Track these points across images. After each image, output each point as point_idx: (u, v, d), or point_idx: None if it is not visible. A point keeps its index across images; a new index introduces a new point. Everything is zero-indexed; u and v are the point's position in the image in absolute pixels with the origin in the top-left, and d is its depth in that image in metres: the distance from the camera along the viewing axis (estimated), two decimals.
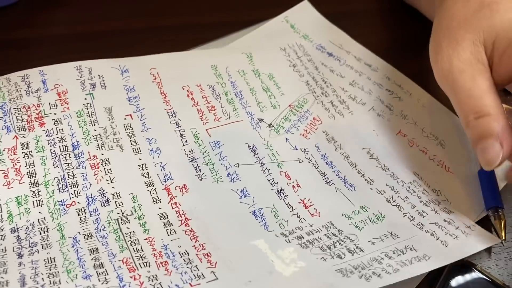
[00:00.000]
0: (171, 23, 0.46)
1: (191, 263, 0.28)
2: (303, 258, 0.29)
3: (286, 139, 0.38)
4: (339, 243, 0.30)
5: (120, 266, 0.27)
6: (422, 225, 0.33)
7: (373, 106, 0.41)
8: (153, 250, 0.29)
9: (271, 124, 0.38)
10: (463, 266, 0.32)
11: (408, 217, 0.33)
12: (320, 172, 0.36)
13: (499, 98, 0.30)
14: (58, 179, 0.32)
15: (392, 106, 0.40)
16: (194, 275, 0.27)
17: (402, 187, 0.36)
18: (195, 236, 0.30)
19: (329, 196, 0.34)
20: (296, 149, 0.37)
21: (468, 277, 0.32)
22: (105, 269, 0.27)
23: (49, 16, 0.46)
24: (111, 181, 0.32)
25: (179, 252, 0.29)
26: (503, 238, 0.33)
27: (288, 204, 0.33)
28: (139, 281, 0.27)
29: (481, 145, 0.30)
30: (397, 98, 0.41)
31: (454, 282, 0.32)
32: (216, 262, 0.28)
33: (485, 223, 0.35)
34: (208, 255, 0.29)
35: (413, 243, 0.31)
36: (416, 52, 0.43)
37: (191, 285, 0.27)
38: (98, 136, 0.34)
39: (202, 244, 0.30)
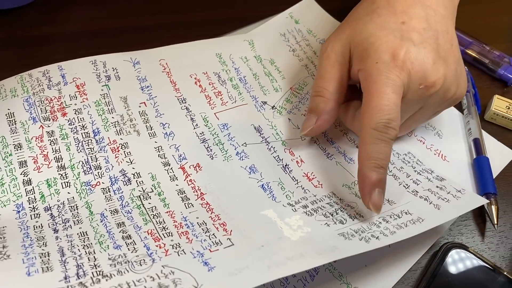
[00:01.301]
0: (181, 20, 0.49)
1: (209, 232, 0.31)
2: (308, 224, 0.32)
3: (289, 119, 0.41)
4: (341, 210, 0.34)
5: (146, 237, 0.31)
6: (416, 191, 0.35)
7: None
8: (174, 222, 0.32)
9: (274, 106, 0.41)
10: (457, 248, 0.35)
11: (404, 185, 0.36)
12: (321, 148, 0.39)
13: (343, 88, 0.36)
14: (83, 163, 0.35)
15: None
16: (212, 242, 0.30)
17: (398, 159, 0.39)
18: (210, 209, 0.33)
19: (330, 169, 0.37)
20: (298, 128, 0.40)
21: (461, 258, 0.34)
22: (133, 240, 0.30)
23: (65, 14, 0.48)
24: (131, 162, 0.35)
25: (197, 223, 0.32)
26: (496, 222, 0.36)
27: (293, 178, 0.36)
28: (164, 249, 0.30)
29: (307, 116, 0.37)
30: None
31: (448, 262, 0.34)
32: (231, 230, 0.31)
33: (479, 208, 0.38)
34: (223, 224, 0.32)
35: (408, 208, 0.34)
36: None
37: (210, 251, 0.30)
38: (116, 123, 0.37)
39: (217, 215, 0.33)
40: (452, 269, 0.34)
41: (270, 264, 0.28)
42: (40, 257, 0.28)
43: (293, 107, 0.41)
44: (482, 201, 0.35)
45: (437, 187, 0.36)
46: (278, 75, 0.44)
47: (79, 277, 0.27)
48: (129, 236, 0.31)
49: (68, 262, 0.28)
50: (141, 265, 0.28)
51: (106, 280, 0.27)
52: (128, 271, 0.28)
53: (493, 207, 0.36)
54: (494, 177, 0.39)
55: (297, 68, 0.44)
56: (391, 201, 0.35)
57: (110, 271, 0.28)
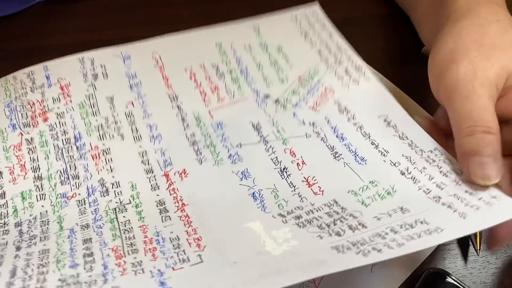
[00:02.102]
0: (173, 31, 0.46)
1: (179, 248, 0.28)
2: (297, 237, 0.28)
3: (294, 113, 0.36)
4: (340, 221, 0.29)
5: (108, 255, 0.27)
6: (439, 197, 0.30)
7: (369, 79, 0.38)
8: (144, 237, 0.29)
9: (277, 99, 0.37)
10: (438, 274, 0.33)
11: (424, 190, 0.30)
12: (329, 147, 0.34)
13: None
14: (61, 172, 0.32)
15: None
16: (179, 259, 0.27)
17: (421, 157, 0.33)
18: (189, 222, 0.29)
19: (336, 172, 0.32)
20: (304, 124, 0.35)
21: (442, 284, 0.33)
22: (93, 258, 0.27)
23: (55, 25, 0.47)
24: (111, 170, 0.32)
25: (169, 238, 0.28)
26: (478, 248, 0.35)
27: (290, 184, 0.32)
28: (123, 267, 0.26)
29: (482, 159, 0.29)
30: None
31: None
32: (205, 246, 0.28)
33: None
34: (198, 239, 0.28)
35: (425, 217, 0.28)
36: (404, 62, 0.44)
37: (173, 269, 0.26)
38: (100, 126, 0.34)
39: (194, 229, 0.29)
40: None
41: (236, 282, 0.24)
42: None
43: (300, 100, 0.37)
44: None
45: (466, 191, 0.30)
46: (286, 64, 0.39)
47: None
48: (91, 253, 0.28)
49: (14, 285, 0.25)
50: (90, 286, 0.25)
51: None
52: None
53: (476, 233, 0.35)
54: None
55: (308, 55, 0.40)
56: (405, 209, 0.29)
57: None
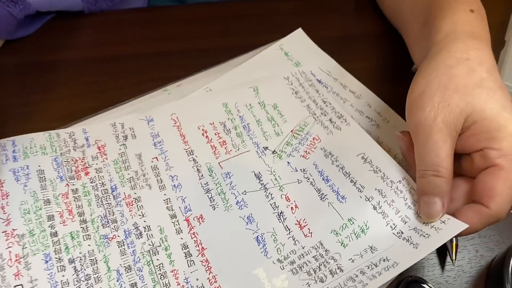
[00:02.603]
0: (178, 48, 0.52)
1: None
2: (292, 285, 0.35)
3: (288, 162, 0.44)
4: (324, 265, 0.36)
5: None
6: (402, 232, 0.37)
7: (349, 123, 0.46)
8: (177, 284, 0.36)
9: (274, 150, 0.45)
10: (416, 281, 0.38)
11: (391, 226, 0.38)
12: (316, 189, 0.42)
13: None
14: (101, 217, 0.40)
15: (370, 133, 0.45)
16: None
17: (390, 189, 0.40)
18: (209, 267, 0.37)
19: (322, 213, 0.40)
20: (296, 171, 0.43)
21: None
22: None
23: (69, 41, 0.52)
24: (143, 215, 0.40)
25: (196, 286, 0.36)
26: (454, 258, 0.39)
27: (286, 227, 0.40)
28: None
29: (428, 198, 0.36)
30: (375, 125, 0.46)
31: None
32: None
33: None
34: None
35: (388, 254, 0.36)
36: (397, 79, 0.47)
37: None
38: (131, 178, 0.42)
39: (214, 276, 0.37)
40: None
41: None
42: None
43: (293, 149, 0.45)
44: (460, 227, 0.35)
45: (424, 223, 0.37)
46: (280, 119, 0.47)
47: None
48: None
49: None
50: None
51: None
52: None
53: (453, 244, 0.39)
54: None
55: (299, 110, 0.48)
56: (373, 248, 0.37)
57: None
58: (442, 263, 0.41)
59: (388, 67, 0.52)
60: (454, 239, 0.40)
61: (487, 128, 0.35)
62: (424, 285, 0.38)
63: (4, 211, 0.39)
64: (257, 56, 0.51)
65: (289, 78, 0.50)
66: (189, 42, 0.52)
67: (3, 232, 0.38)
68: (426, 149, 0.36)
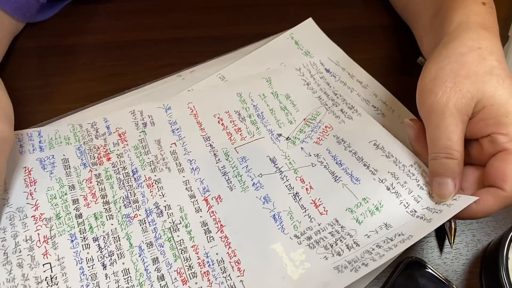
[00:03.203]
0: (191, 35, 0.54)
1: (225, 272, 0.37)
2: (309, 259, 0.37)
3: (301, 148, 0.45)
4: (340, 240, 0.38)
5: (176, 278, 0.37)
6: (415, 211, 0.39)
7: (360, 113, 0.48)
8: (198, 258, 0.38)
9: (288, 137, 0.46)
10: (416, 262, 0.40)
11: (404, 204, 0.40)
12: (330, 172, 0.43)
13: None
14: (123, 198, 0.41)
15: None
16: (228, 285, 0.36)
17: (403, 172, 0.41)
18: (228, 243, 0.39)
19: (337, 193, 0.42)
20: (310, 155, 0.45)
21: (419, 271, 0.40)
22: (166, 282, 0.36)
23: (86, 25, 0.54)
24: (163, 196, 0.42)
25: (217, 260, 0.38)
26: (452, 241, 0.41)
27: (302, 206, 0.41)
28: None
29: (441, 179, 0.37)
30: (380, 114, 0.48)
31: (407, 274, 0.40)
32: (244, 270, 0.37)
33: (441, 228, 0.43)
34: (238, 262, 0.37)
35: (402, 229, 0.37)
36: (403, 70, 0.48)
37: None
38: (151, 162, 0.44)
39: (233, 251, 0.38)
40: (409, 281, 0.39)
41: None
42: None
43: (306, 136, 0.46)
44: (469, 199, 0.36)
45: (436, 203, 0.39)
46: (293, 108, 0.49)
47: None
48: (163, 276, 0.37)
49: None
50: None
51: None
52: None
53: (452, 228, 0.41)
54: None
55: (310, 100, 0.49)
56: (388, 225, 0.38)
57: None
58: (441, 246, 0.43)
59: (394, 58, 0.54)
60: (453, 223, 0.41)
61: (495, 113, 0.36)
62: (423, 265, 0.40)
63: (32, 197, 0.40)
64: (268, 44, 0.53)
65: (301, 69, 0.52)
66: (202, 30, 0.54)
67: (31, 217, 0.39)
68: (438, 132, 0.37)
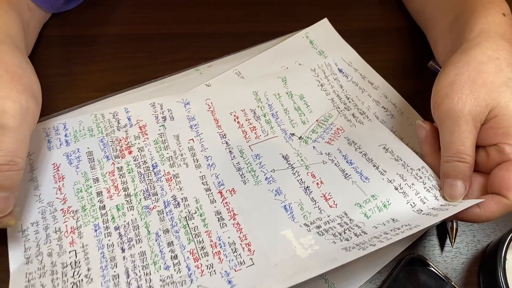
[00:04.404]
0: (209, 30, 0.56)
1: (236, 252, 0.39)
2: (318, 243, 0.39)
3: (313, 147, 0.47)
4: (349, 230, 0.40)
5: (188, 257, 0.39)
6: (421, 210, 0.40)
7: (371, 120, 0.49)
8: (210, 241, 0.40)
9: (301, 137, 0.48)
10: (417, 258, 0.42)
11: (411, 204, 0.41)
12: (341, 169, 0.45)
13: None
14: (144, 191, 0.44)
15: (385, 122, 0.49)
16: (238, 262, 0.38)
17: (411, 174, 0.43)
18: (240, 228, 0.41)
19: (346, 189, 0.44)
20: (321, 154, 0.47)
21: (419, 267, 0.42)
22: (179, 260, 0.39)
23: (108, 17, 0.56)
24: (181, 189, 0.44)
25: (228, 243, 0.40)
26: (453, 241, 0.43)
27: (312, 199, 0.43)
28: (201, 269, 0.38)
29: (452, 181, 0.39)
30: (390, 116, 0.50)
31: (408, 270, 0.42)
32: (254, 250, 0.39)
33: (443, 227, 0.45)
34: (249, 244, 0.40)
35: (409, 222, 0.39)
36: (415, 74, 0.50)
37: (235, 270, 0.38)
38: (170, 157, 0.46)
39: (245, 235, 0.40)
40: (410, 276, 0.41)
41: (279, 279, 0.35)
42: (113, 279, 0.38)
43: (318, 137, 0.48)
44: (475, 201, 0.38)
45: (441, 205, 0.41)
46: (306, 109, 0.51)
47: None
48: (176, 256, 0.39)
49: (131, 284, 0.37)
50: (182, 285, 0.37)
51: None
52: None
53: (453, 228, 0.43)
54: None
55: (323, 102, 0.51)
56: (395, 219, 0.40)
57: None
58: (442, 244, 0.45)
59: (406, 62, 0.56)
60: (454, 223, 0.43)
61: (506, 123, 0.38)
62: (424, 262, 0.42)
63: (61, 192, 0.43)
64: (284, 42, 0.55)
65: (316, 70, 0.54)
66: (220, 26, 0.56)
67: (60, 210, 0.42)
68: (453, 137, 0.39)
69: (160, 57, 0.52)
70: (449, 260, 0.44)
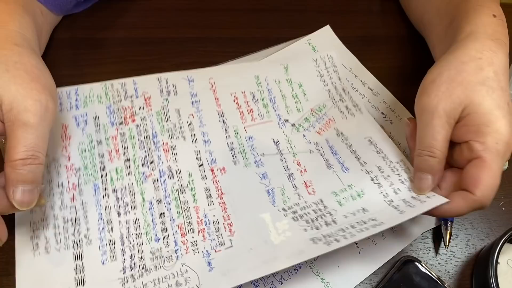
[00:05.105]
0: (216, 35, 0.58)
1: (218, 231, 0.43)
2: (291, 229, 0.42)
3: (304, 135, 0.51)
4: (321, 217, 0.43)
5: (176, 231, 0.43)
6: (392, 201, 0.43)
7: (362, 112, 0.52)
8: (197, 218, 0.44)
9: (294, 124, 0.52)
10: (412, 260, 0.43)
11: (383, 194, 0.44)
12: (325, 160, 0.49)
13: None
14: (142, 158, 0.48)
15: (383, 128, 0.51)
16: (218, 242, 0.42)
17: (388, 167, 0.46)
18: (225, 208, 0.45)
19: (326, 178, 0.47)
20: (310, 143, 0.50)
21: (414, 269, 0.43)
22: (168, 234, 0.43)
23: (118, 20, 0.57)
24: (176, 161, 0.48)
25: (213, 221, 0.44)
26: (447, 244, 0.45)
27: (294, 185, 0.47)
28: (186, 246, 0.42)
29: (422, 175, 0.42)
30: (388, 121, 0.52)
31: (403, 271, 0.43)
32: (234, 232, 0.43)
33: (438, 231, 0.47)
34: (230, 225, 0.44)
35: (377, 215, 0.42)
36: (414, 81, 0.50)
37: (215, 251, 0.42)
38: (170, 129, 0.50)
39: (228, 215, 0.44)
40: (405, 277, 0.43)
41: (251, 266, 0.39)
42: (109, 245, 0.42)
43: (309, 125, 0.52)
44: (441, 200, 0.40)
45: (412, 197, 0.43)
46: (303, 97, 0.54)
47: (132, 269, 0.41)
48: (166, 228, 0.43)
49: (125, 252, 0.42)
50: (169, 261, 0.41)
51: (147, 274, 0.41)
52: (160, 267, 0.41)
53: (448, 232, 0.45)
54: None
55: (320, 92, 0.54)
56: (365, 209, 0.43)
57: (149, 266, 0.41)
58: (436, 247, 0.47)
59: (405, 69, 0.57)
60: (449, 227, 0.46)
61: (477, 121, 0.39)
62: (418, 264, 0.44)
63: (66, 150, 0.47)
64: (287, 48, 0.57)
65: (317, 60, 0.56)
66: (225, 31, 0.58)
67: (64, 166, 0.46)
68: (425, 131, 0.41)
69: (167, 61, 0.54)
70: (443, 262, 0.46)
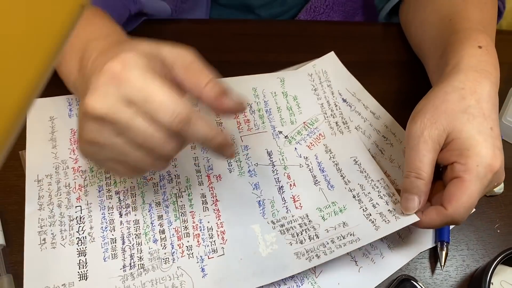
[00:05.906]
0: (225, 59, 0.58)
1: (212, 238, 0.47)
2: (278, 242, 0.46)
3: (295, 148, 0.54)
4: (305, 231, 0.47)
5: (173, 234, 0.47)
6: (370, 214, 0.47)
7: (369, 148, 0.54)
8: (193, 223, 0.48)
9: (287, 135, 0.55)
10: (408, 279, 0.45)
11: (363, 209, 0.48)
12: (313, 176, 0.53)
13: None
14: None
15: (384, 150, 0.54)
16: (212, 249, 0.46)
17: (369, 185, 0.50)
18: (219, 215, 0.49)
19: (313, 194, 0.51)
20: (300, 157, 0.54)
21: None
22: (165, 236, 0.47)
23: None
24: (175, 166, 0.51)
25: (207, 227, 0.48)
26: (443, 264, 0.47)
27: (283, 198, 0.51)
28: (182, 249, 0.46)
29: (408, 195, 0.45)
30: (389, 144, 0.55)
31: None
32: (226, 240, 0.47)
33: (435, 251, 0.49)
34: (223, 233, 0.47)
35: (355, 230, 0.46)
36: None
37: (208, 258, 0.46)
38: None
39: (222, 223, 0.48)
40: None
41: (240, 278, 0.43)
42: (111, 243, 0.46)
43: (301, 139, 0.55)
44: (413, 219, 0.44)
45: (388, 210, 0.47)
46: (297, 110, 0.57)
47: (131, 267, 0.44)
48: (163, 231, 0.47)
49: (126, 251, 0.45)
50: (166, 263, 0.45)
51: (145, 274, 0.44)
52: (157, 268, 0.44)
53: (443, 252, 0.48)
54: (451, 228, 0.50)
55: (313, 106, 0.58)
56: (345, 223, 0.48)
57: (148, 266, 0.45)
58: (433, 267, 0.48)
59: (407, 93, 0.60)
60: (445, 248, 0.48)
61: (460, 146, 0.42)
62: (415, 283, 0.45)
63: (74, 153, 0.51)
64: (292, 72, 0.60)
65: (312, 75, 0.60)
66: (235, 54, 0.61)
67: (71, 168, 0.50)
68: (412, 155, 0.44)
69: None
70: (438, 282, 0.48)
